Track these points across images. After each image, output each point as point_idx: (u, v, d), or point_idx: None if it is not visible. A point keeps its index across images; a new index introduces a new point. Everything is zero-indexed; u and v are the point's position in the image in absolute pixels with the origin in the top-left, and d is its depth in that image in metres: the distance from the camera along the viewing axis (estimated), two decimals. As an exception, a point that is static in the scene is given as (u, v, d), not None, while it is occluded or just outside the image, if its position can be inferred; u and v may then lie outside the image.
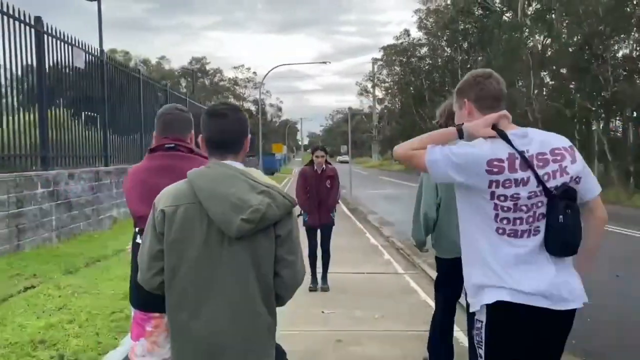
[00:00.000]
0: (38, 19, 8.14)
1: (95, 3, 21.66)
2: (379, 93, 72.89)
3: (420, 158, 2.05)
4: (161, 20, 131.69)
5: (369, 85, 76.21)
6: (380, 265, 7.98)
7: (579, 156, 2.11)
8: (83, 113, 10.16)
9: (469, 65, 44.81)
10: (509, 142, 1.99)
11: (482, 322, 2.05)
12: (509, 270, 2.00)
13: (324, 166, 6.34)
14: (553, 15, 28.09)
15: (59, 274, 5.88)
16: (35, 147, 8.10)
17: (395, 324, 4.96)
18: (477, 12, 40.84)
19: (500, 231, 2.01)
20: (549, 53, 28.21)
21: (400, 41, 57.56)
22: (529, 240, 2.01)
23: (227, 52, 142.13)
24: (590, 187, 2.14)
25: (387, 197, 22.66)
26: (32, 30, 8.03)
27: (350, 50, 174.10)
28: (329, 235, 6.46)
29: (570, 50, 24.18)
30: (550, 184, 1.98)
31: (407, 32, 57.25)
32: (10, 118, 7.55)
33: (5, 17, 7.31)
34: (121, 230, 9.73)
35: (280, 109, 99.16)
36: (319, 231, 6.40)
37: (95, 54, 10.54)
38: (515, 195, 1.96)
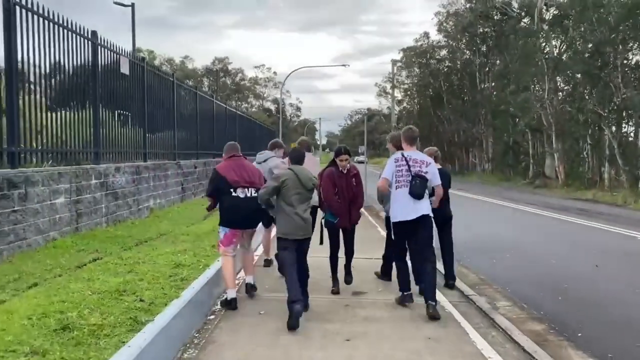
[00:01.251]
0: (94, 33, 9.38)
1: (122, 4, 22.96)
2: (398, 94, 73.52)
3: (381, 181, 5.72)
4: (185, 18, 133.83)
5: (388, 86, 77.06)
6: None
7: (430, 167, 5.58)
8: (125, 113, 11.38)
9: (487, 69, 45.48)
10: (402, 154, 5.61)
11: (392, 225, 5.72)
12: (394, 204, 5.59)
13: (348, 166, 6.23)
14: (570, 22, 28.71)
15: (117, 250, 7.07)
16: (90, 144, 9.33)
17: (392, 295, 6.03)
18: (495, 17, 41.48)
19: (395, 187, 5.53)
20: (564, 58, 28.85)
21: (419, 43, 58.34)
22: (404, 189, 5.45)
23: (249, 50, 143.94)
24: (434, 180, 5.61)
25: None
26: (89, 42, 9.27)
27: (370, 49, 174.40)
28: (354, 233, 6.42)
29: (583, 56, 24.85)
30: (413, 170, 5.49)
31: (426, 35, 57.92)
32: (70, 119, 8.77)
33: (68, 32, 8.54)
34: (157, 219, 10.94)
35: (299, 109, 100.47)
36: (341, 232, 6.25)
37: (138, 61, 11.77)
38: (400, 172, 5.53)
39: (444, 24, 51.69)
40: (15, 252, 6.74)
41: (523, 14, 35.57)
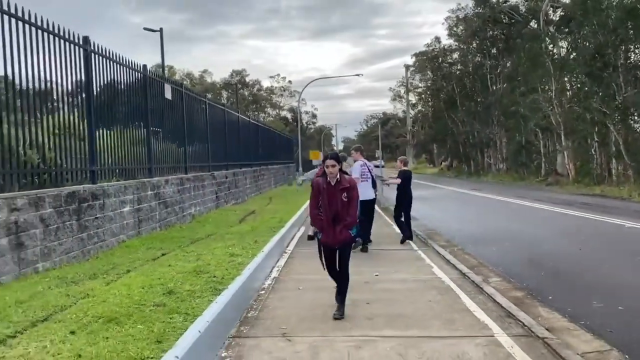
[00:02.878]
0: (145, 67, 11.09)
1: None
2: (412, 98, 74.90)
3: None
4: (198, 31, 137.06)
5: (402, 90, 78.50)
6: (401, 245, 10.53)
7: (374, 169, 10.48)
8: (169, 133, 13.07)
9: (498, 71, 46.64)
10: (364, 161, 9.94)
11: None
12: (361, 189, 8.01)
13: (338, 177, 5.43)
14: (574, 24, 29.85)
15: (178, 247, 8.68)
16: (144, 161, 11.01)
17: (405, 274, 7.51)
18: (504, 21, 42.69)
19: (361, 180, 9.29)
20: (570, 60, 29.98)
21: (431, 48, 59.76)
22: (367, 182, 9.56)
23: (263, 59, 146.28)
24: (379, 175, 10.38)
25: (417, 198, 24.83)
26: (142, 75, 10.98)
27: (384, 53, 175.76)
28: (347, 256, 5.62)
29: (586, 58, 26.01)
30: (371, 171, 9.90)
31: (437, 39, 59.35)
32: (129, 141, 10.45)
33: (127, 69, 10.23)
34: (199, 224, 12.58)
35: (315, 116, 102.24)
36: (337, 251, 5.58)
37: (177, 87, 13.48)
38: (365, 172, 9.69)
39: (454, 29, 53.09)
40: (99, 251, 8.41)
41: (530, 17, 36.72)
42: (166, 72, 60.71)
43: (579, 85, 29.43)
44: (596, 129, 27.65)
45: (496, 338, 4.91)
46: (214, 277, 5.98)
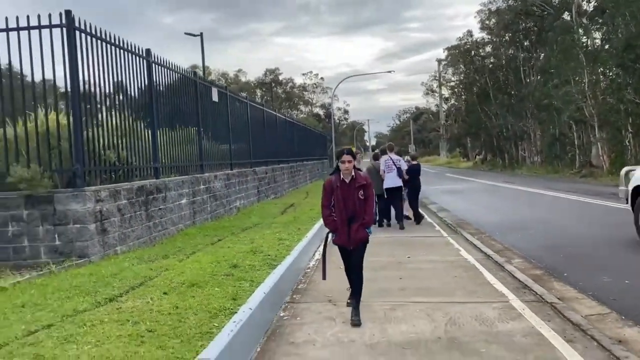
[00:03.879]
0: (195, 73, 12.25)
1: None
2: (445, 92, 74.93)
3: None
4: (230, 29, 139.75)
5: (435, 84, 78.62)
6: (432, 233, 11.39)
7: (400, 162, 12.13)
8: (216, 132, 14.23)
9: (531, 63, 46.53)
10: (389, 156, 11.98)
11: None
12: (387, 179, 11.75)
13: (353, 173, 5.21)
14: (607, 16, 29.86)
15: (230, 234, 9.78)
16: (197, 158, 12.17)
17: (434, 256, 8.40)
18: (536, 13, 42.60)
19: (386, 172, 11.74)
20: (602, 52, 30.00)
21: (463, 42, 59.79)
22: (392, 172, 11.60)
23: (294, 56, 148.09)
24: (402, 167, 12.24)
25: (450, 192, 25.62)
26: (193, 82, 12.14)
27: (416, 46, 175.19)
28: (362, 255, 5.43)
29: (618, 50, 26.10)
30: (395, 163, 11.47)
31: (470, 33, 59.31)
32: (183, 141, 11.62)
33: (184, 78, 11.39)
34: (245, 215, 13.70)
35: (347, 112, 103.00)
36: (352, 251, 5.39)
37: (223, 90, 14.63)
38: (389, 164, 11.71)
39: (486, 22, 53.05)
40: (162, 238, 9.58)
41: (562, 9, 36.64)
42: (201, 72, 62.81)
43: (612, 77, 29.43)
44: (630, 120, 27.68)
45: (510, 303, 5.78)
46: (268, 255, 7.02)
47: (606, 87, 28.92)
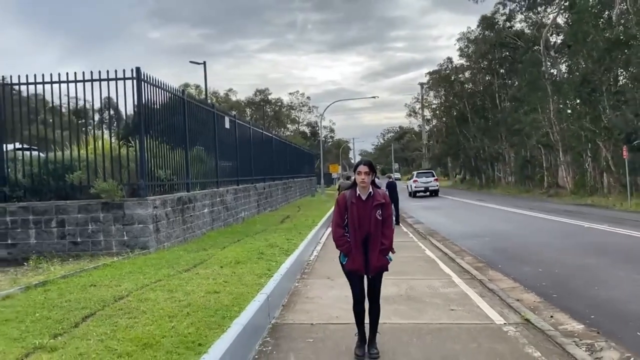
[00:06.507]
0: (213, 105, 14.89)
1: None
2: (427, 113, 78.53)
3: None
4: (216, 45, 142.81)
5: (417, 106, 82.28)
6: (406, 239, 14.04)
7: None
8: (226, 154, 16.80)
9: (506, 90, 50.05)
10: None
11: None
12: None
13: (371, 190, 4.65)
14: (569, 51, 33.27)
15: (245, 236, 12.33)
16: (214, 176, 14.73)
17: (406, 254, 11.02)
18: (510, 44, 46.16)
19: None
20: (565, 84, 33.37)
21: (443, 67, 63.44)
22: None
23: (280, 72, 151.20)
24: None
25: (427, 207, 28.46)
26: (212, 113, 14.76)
27: (400, 65, 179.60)
28: (380, 283, 4.83)
29: (576, 83, 29.39)
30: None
31: (449, 60, 62.97)
32: (203, 162, 14.18)
33: (208, 109, 14.02)
34: (250, 224, 16.23)
35: (332, 130, 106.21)
36: (365, 277, 4.78)
37: (233, 118, 17.27)
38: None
39: (465, 50, 56.64)
40: (192, 239, 12.11)
41: (531, 44, 40.13)
42: (194, 91, 65.49)
43: (573, 107, 32.74)
44: (589, 145, 30.89)
45: (452, 280, 8.44)
46: (282, 248, 9.61)
47: (568, 116, 32.16)
